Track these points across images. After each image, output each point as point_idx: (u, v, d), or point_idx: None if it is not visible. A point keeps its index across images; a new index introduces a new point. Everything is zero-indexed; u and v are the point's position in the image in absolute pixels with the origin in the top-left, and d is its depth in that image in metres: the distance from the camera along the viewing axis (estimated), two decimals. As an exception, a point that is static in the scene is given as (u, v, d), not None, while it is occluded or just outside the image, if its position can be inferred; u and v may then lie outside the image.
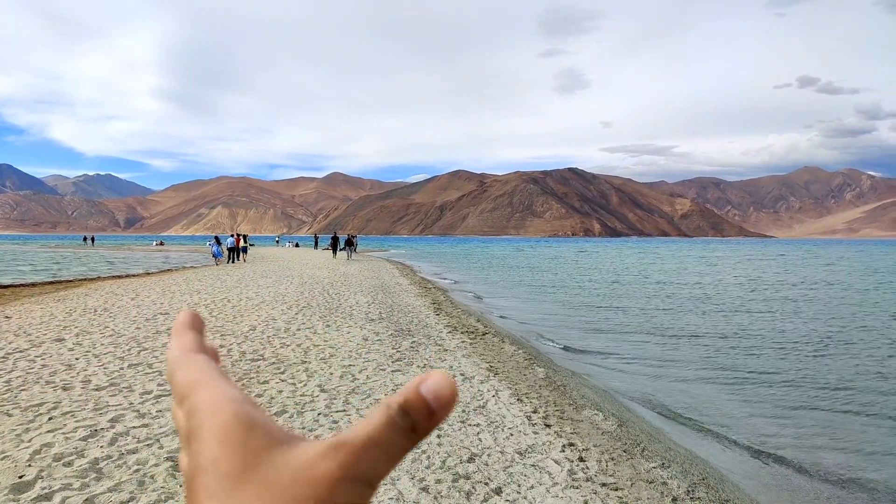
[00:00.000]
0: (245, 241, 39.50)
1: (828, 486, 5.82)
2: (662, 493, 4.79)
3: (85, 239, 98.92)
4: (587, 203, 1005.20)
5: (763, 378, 10.13)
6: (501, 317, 16.98)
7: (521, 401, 6.94)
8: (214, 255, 36.18)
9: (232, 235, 37.94)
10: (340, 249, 44.80)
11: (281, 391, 6.95)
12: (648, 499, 4.64)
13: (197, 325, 0.41)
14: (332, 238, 44.64)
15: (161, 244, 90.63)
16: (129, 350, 9.08)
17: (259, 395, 6.72)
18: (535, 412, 6.52)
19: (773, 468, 6.23)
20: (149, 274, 28.54)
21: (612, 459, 5.32)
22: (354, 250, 47.19)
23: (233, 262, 36.23)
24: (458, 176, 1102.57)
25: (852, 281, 32.97)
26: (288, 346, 9.69)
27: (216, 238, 37.29)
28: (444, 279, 31.54)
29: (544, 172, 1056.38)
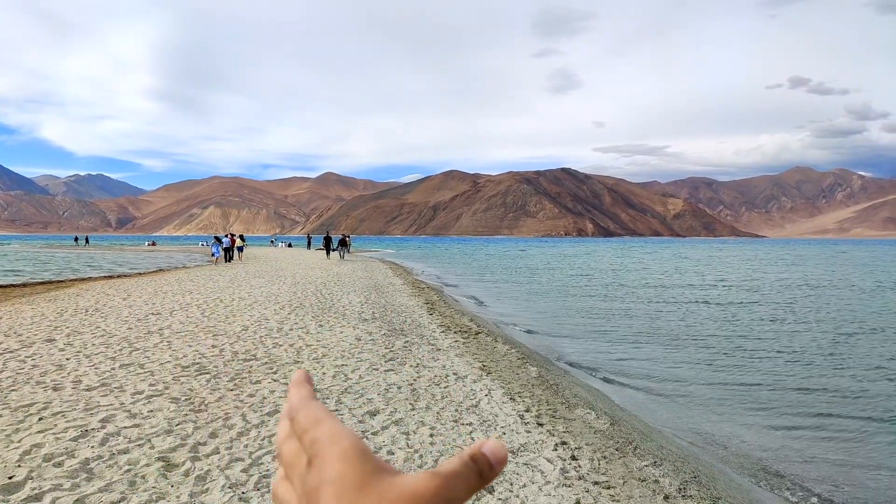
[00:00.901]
0: (242, 241, 40.96)
1: (819, 484, 5.86)
2: (654, 490, 4.81)
3: (76, 239, 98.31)
4: (580, 203, 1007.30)
5: (758, 379, 10.20)
6: (529, 331, 15.35)
7: (514, 400, 6.95)
8: (214, 255, 37.03)
9: (226, 236, 38.44)
10: (333, 249, 44.21)
11: (273, 391, 6.93)
12: (640, 497, 4.65)
13: (310, 380, 0.53)
14: (325, 238, 44.28)
15: (153, 244, 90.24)
16: (120, 350, 9.03)
17: (251, 395, 6.70)
18: (527, 411, 6.53)
19: (765, 466, 6.26)
20: (141, 274, 28.40)
21: (605, 458, 5.33)
22: (348, 250, 46.91)
23: (228, 261, 36.91)
24: (452, 176, 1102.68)
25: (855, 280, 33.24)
26: (280, 345, 9.67)
27: (217, 238, 37.93)
28: (446, 284, 31.54)
29: (537, 172, 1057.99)
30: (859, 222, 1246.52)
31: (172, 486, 4.37)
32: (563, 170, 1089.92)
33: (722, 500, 4.93)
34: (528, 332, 14.79)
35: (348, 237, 46.50)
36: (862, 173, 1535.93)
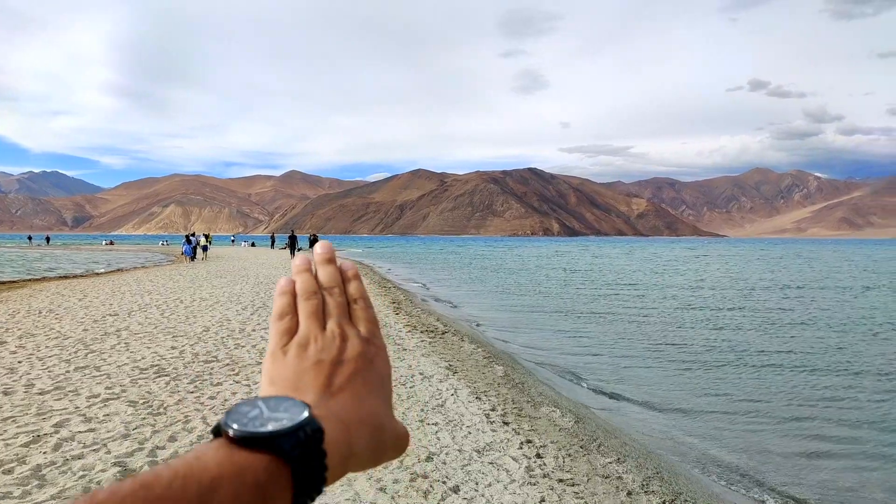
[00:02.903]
0: (207, 240, 42.43)
1: (777, 477, 5.99)
2: (618, 487, 4.85)
3: (30, 238, 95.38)
4: (546, 203, 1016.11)
5: (725, 379, 10.35)
6: (496, 330, 14.96)
7: (480, 399, 6.95)
8: (185, 254, 37.64)
9: (192, 234, 39.31)
10: (299, 249, 42.76)
11: (235, 393, 6.81)
12: (604, 493, 4.69)
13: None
14: (290, 237, 42.85)
15: (111, 244, 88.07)
16: (75, 352, 8.77)
17: (212, 398, 6.57)
18: (493, 410, 6.54)
19: (725, 462, 6.38)
20: (98, 274, 27.67)
21: (569, 455, 5.36)
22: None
23: (192, 259, 37.46)
24: (419, 175, 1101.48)
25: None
26: (242, 346, 9.51)
27: (187, 237, 38.43)
28: (413, 283, 31.45)
29: (504, 172, 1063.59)
30: (815, 222, 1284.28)
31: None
32: (530, 170, 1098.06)
33: (683, 495, 5.00)
34: (496, 331, 14.82)
35: (316, 236, 45.33)
36: (818, 174, 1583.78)
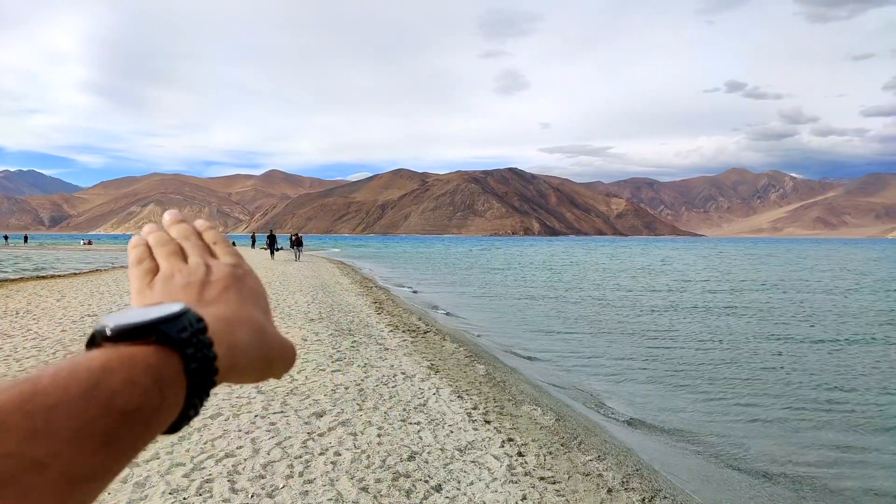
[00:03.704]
0: None
1: (754, 477, 6.11)
2: (598, 484, 4.92)
3: (6, 238, 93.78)
4: (527, 202, 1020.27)
5: (701, 373, 10.55)
6: (478, 329, 15.67)
7: (462, 398, 6.99)
8: None
9: None
10: (277, 249, 41.78)
11: (216, 393, 6.77)
12: (585, 490, 4.75)
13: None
14: (269, 237, 41.54)
15: (89, 243, 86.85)
16: (53, 354, 8.67)
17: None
18: (475, 409, 6.58)
19: (702, 458, 6.49)
20: (76, 274, 27.29)
21: (550, 453, 5.42)
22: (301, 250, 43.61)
23: None
24: (400, 175, 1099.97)
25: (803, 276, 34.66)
26: (224, 347, 9.44)
27: None
28: (394, 283, 31.40)
29: (485, 172, 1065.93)
30: (791, 222, 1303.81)
31: (109, 492, 4.22)
32: (511, 170, 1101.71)
33: (662, 492, 5.08)
34: (478, 330, 14.90)
35: (299, 235, 42.81)
36: (794, 175, 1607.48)
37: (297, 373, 7.87)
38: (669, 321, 16.86)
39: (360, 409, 6.35)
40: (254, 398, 6.57)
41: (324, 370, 8.08)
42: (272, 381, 7.31)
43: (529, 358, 11.61)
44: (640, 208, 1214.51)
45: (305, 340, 10.22)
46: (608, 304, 20.97)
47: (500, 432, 5.81)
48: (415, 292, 24.62)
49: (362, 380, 7.64)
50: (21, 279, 24.56)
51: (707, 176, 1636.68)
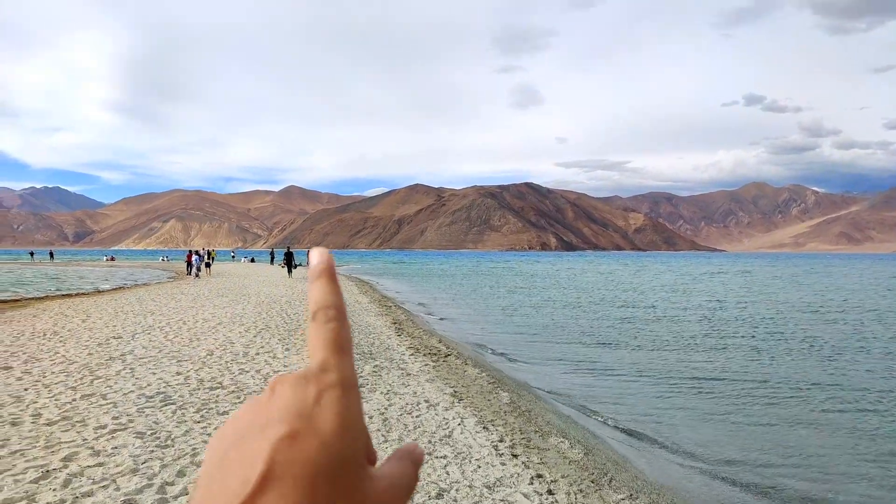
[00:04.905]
0: (210, 257, 43.23)
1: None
2: (629, 524, 4.84)
3: (32, 254, 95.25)
4: (543, 217, 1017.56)
5: (735, 402, 10.17)
6: (500, 353, 15.32)
7: (487, 429, 6.93)
8: (194, 264, 38.93)
9: (195, 251, 40.38)
10: (295, 266, 40.73)
11: (225, 412, 6.78)
12: (616, 531, 4.68)
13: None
14: (286, 254, 40.62)
15: (112, 259, 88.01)
16: (81, 379, 8.75)
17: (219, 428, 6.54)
18: (501, 441, 6.52)
19: (740, 496, 6.34)
20: (100, 292, 27.63)
21: (581, 491, 5.34)
22: None
23: (196, 275, 38.42)
24: (416, 190, 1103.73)
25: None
26: (247, 372, 9.48)
27: (196, 252, 39.75)
28: (412, 301, 31.36)
29: (501, 187, 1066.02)
30: (814, 237, 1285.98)
31: (141, 532, 4.22)
32: (527, 184, 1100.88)
33: (695, 532, 4.98)
34: (500, 354, 14.75)
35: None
36: (815, 189, 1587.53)
37: (321, 400, 7.86)
38: (708, 347, 16.07)
39: (386, 441, 6.32)
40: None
41: (348, 397, 8.06)
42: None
43: (553, 384, 11.50)
44: (658, 223, 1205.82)
45: (328, 365, 10.20)
46: (637, 326, 20.31)
47: (529, 467, 5.74)
48: (442, 320, 24.56)
49: (386, 408, 7.62)
50: (47, 297, 24.93)
51: (726, 190, 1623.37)
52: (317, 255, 0.53)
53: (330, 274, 0.53)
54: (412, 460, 0.51)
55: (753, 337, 17.89)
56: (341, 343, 0.52)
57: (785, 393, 10.90)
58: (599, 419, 8.95)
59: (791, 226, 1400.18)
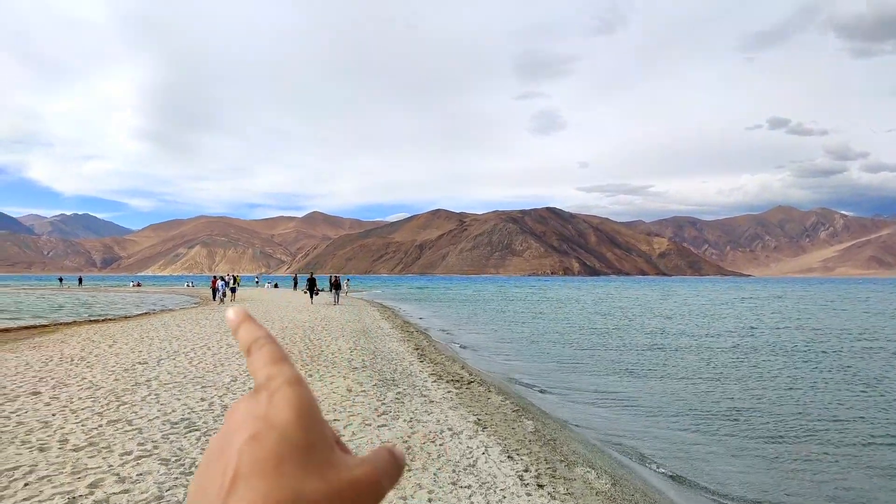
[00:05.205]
0: (236, 282, 44.41)
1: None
2: (659, 558, 4.71)
3: (61, 280, 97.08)
4: (566, 242, 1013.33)
5: (770, 435, 9.83)
6: (525, 383, 14.91)
7: (512, 458, 6.84)
8: (219, 291, 40.19)
9: (221, 276, 42.11)
10: (316, 292, 40.14)
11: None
12: (645, 565, 4.55)
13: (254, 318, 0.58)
14: (309, 280, 40.01)
15: (138, 285, 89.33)
16: (107, 404, 8.83)
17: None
18: (526, 471, 6.42)
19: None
20: (126, 318, 28.01)
21: (607, 523, 5.23)
22: (343, 293, 42.46)
23: (221, 300, 39.52)
24: (438, 215, 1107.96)
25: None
26: (271, 398, 9.48)
27: (221, 278, 41.24)
28: (435, 327, 31.29)
29: (522, 212, 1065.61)
30: (844, 261, 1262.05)
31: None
32: (549, 209, 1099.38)
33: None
34: (526, 385, 14.56)
35: (339, 277, 41.32)
36: (844, 212, 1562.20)
37: (344, 427, 7.85)
38: (741, 376, 15.51)
39: (409, 470, 6.26)
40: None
41: (370, 425, 8.03)
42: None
43: (579, 414, 11.34)
44: (683, 248, 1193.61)
45: (350, 391, 10.20)
46: (667, 354, 19.77)
47: (555, 498, 5.64)
48: (465, 348, 24.45)
49: (409, 436, 7.56)
50: (75, 323, 25.34)
51: (752, 214, 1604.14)
52: (231, 312, 0.57)
53: (249, 318, 0.56)
54: (387, 449, 0.55)
55: (789, 365, 17.28)
56: (279, 356, 0.55)
57: (823, 425, 10.47)
58: (627, 449, 8.78)
59: (819, 250, 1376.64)
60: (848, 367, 17.04)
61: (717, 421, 10.66)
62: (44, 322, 25.81)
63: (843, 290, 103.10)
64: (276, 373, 0.56)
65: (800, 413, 11.29)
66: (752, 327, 29.39)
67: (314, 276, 41.09)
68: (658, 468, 7.86)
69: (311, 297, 39.76)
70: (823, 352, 20.18)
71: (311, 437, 0.55)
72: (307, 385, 0.54)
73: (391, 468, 0.55)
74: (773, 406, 11.93)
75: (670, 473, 7.66)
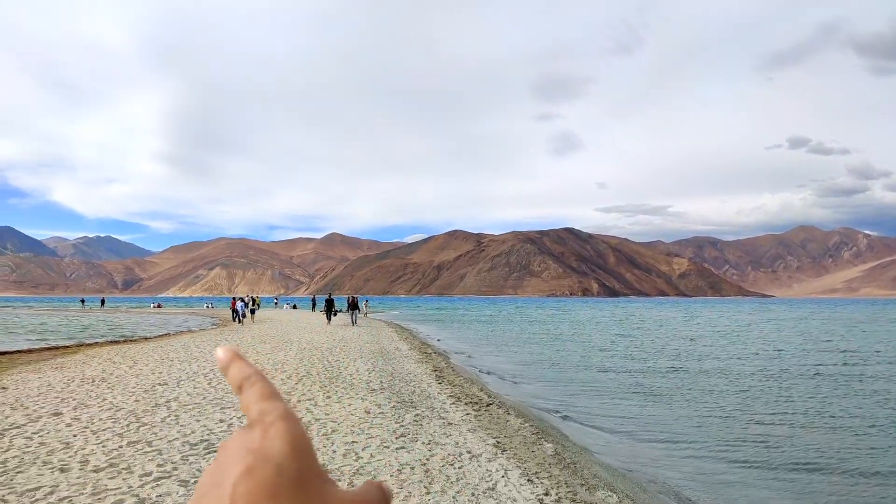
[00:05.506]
0: (255, 304, 44.62)
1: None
2: (684, 586, 4.60)
3: (83, 301, 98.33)
4: (584, 263, 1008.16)
5: (800, 461, 9.52)
6: (549, 409, 14.35)
7: (532, 482, 6.75)
8: (239, 312, 40.51)
9: (240, 298, 42.62)
10: (334, 313, 40.36)
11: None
12: None
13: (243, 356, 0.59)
14: (327, 301, 40.25)
15: (159, 306, 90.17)
16: (127, 426, 8.88)
17: None
18: (546, 494, 6.33)
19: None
20: (146, 339, 28.27)
21: (630, 549, 5.13)
22: (362, 314, 42.56)
23: (240, 321, 39.85)
24: (455, 236, 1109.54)
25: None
26: (290, 420, 9.48)
27: (241, 299, 41.77)
28: (453, 350, 31.19)
29: (540, 232, 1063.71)
30: (868, 281, 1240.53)
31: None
32: (567, 229, 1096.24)
33: None
34: (547, 409, 14.34)
35: (357, 298, 41.56)
36: (868, 232, 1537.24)
37: (363, 449, 7.81)
38: (770, 400, 15.04)
39: (428, 493, 6.21)
40: (321, 478, 6.51)
41: (388, 447, 7.99)
42: (338, 460, 7.26)
43: (601, 439, 11.18)
44: (703, 268, 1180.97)
45: (369, 413, 10.17)
46: (693, 378, 19.22)
47: (575, 523, 5.55)
48: (489, 374, 24.32)
49: (427, 459, 7.50)
50: (96, 344, 25.62)
51: (773, 234, 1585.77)
52: (220, 351, 0.58)
53: (238, 356, 0.58)
54: (377, 485, 0.56)
55: (819, 389, 16.63)
56: (271, 393, 0.57)
57: (857, 453, 10.07)
58: (649, 475, 8.64)
59: (843, 270, 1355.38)
60: (881, 391, 16.50)
61: (744, 448, 10.38)
62: (66, 343, 26.14)
63: (870, 311, 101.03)
64: (269, 408, 0.58)
65: (832, 440, 10.87)
66: (780, 349, 28.63)
67: (332, 297, 41.44)
68: (681, 495, 7.70)
69: (329, 318, 39.92)
70: (855, 375, 19.55)
71: (306, 471, 0.57)
72: (300, 421, 0.56)
73: (381, 502, 0.56)
74: (803, 432, 11.54)
75: (694, 500, 7.51)
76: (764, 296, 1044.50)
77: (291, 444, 0.57)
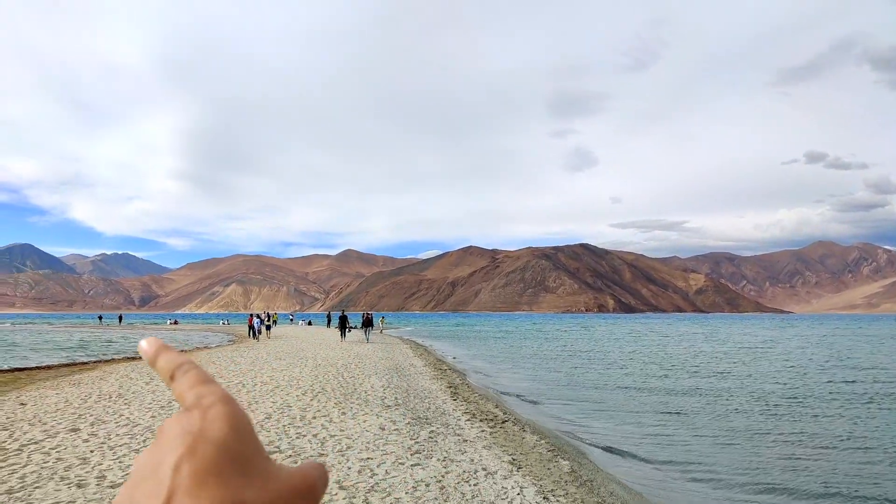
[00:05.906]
0: (272, 320, 45.47)
1: None
2: None
3: (100, 318, 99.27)
4: (600, 278, 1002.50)
5: (822, 484, 9.29)
6: (567, 429, 13.30)
7: (548, 499, 6.68)
8: (255, 328, 40.83)
9: (257, 314, 42.83)
10: (349, 330, 40.36)
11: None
12: None
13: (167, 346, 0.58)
14: (340, 318, 40.28)
15: (175, 323, 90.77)
16: (144, 441, 8.92)
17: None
18: (562, 513, 6.26)
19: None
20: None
21: (648, 569, 5.05)
22: (375, 330, 42.99)
23: (256, 338, 40.11)
24: (470, 252, 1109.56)
25: None
26: (304, 436, 9.49)
27: (257, 315, 42.23)
28: (469, 368, 31.06)
29: (556, 248, 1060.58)
30: (889, 297, 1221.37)
31: None
32: (582, 245, 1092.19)
33: None
34: (566, 432, 14.22)
35: (371, 314, 41.55)
36: (888, 247, 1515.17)
37: (378, 466, 7.78)
38: (798, 419, 14.74)
39: (443, 510, 6.15)
40: (335, 494, 6.50)
41: (403, 464, 7.95)
42: (353, 476, 7.23)
43: (618, 454, 11.06)
44: (720, 284, 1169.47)
45: (383, 429, 10.14)
46: (717, 395, 18.90)
47: (592, 542, 5.47)
48: (506, 394, 24.18)
49: (443, 476, 7.45)
50: (113, 360, 25.83)
51: (791, 249, 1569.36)
52: (145, 343, 0.59)
53: (165, 346, 0.59)
54: (317, 463, 0.58)
55: (846, 409, 16.23)
56: (206, 378, 0.58)
57: (890, 477, 9.74)
58: (669, 496, 8.51)
59: (863, 286, 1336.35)
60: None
61: (769, 470, 10.14)
62: (84, 359, 26.37)
63: (893, 327, 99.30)
64: (206, 392, 0.58)
65: (863, 465, 10.49)
66: (803, 367, 28.11)
67: (345, 313, 41.79)
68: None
69: (343, 334, 40.08)
70: (886, 394, 19.05)
71: (248, 449, 0.58)
72: (238, 403, 0.56)
73: (321, 475, 0.58)
74: (831, 454, 11.22)
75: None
76: (782, 312, 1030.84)
77: (231, 424, 0.57)
